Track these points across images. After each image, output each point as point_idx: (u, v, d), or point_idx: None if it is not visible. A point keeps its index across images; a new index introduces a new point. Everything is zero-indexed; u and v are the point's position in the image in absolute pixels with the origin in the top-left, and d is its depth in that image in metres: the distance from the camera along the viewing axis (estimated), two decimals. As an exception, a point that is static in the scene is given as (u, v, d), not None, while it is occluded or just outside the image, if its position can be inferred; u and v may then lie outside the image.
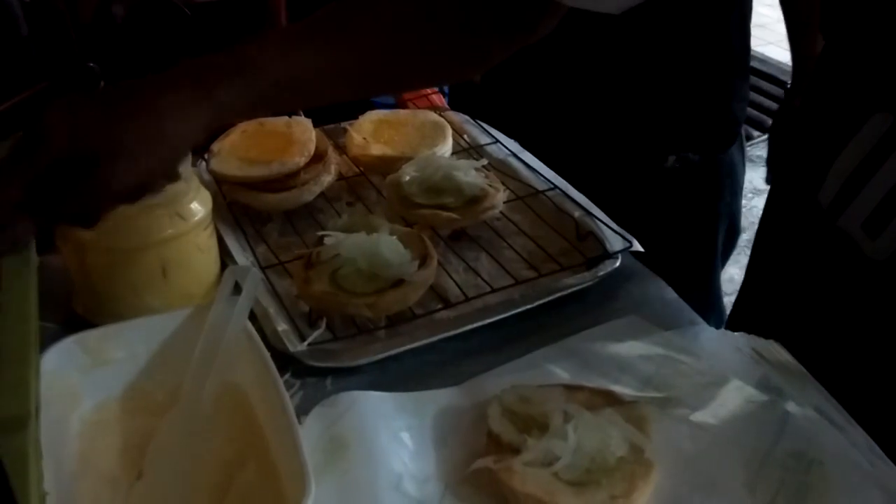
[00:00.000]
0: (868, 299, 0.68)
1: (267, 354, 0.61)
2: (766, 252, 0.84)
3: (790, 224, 0.78)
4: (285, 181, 0.90)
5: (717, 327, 0.75)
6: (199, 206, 0.74)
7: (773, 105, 3.04)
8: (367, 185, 0.97)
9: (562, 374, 0.70)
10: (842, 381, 0.67)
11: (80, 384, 0.62)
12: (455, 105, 1.25)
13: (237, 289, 0.66)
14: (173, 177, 0.67)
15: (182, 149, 0.63)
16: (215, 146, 0.93)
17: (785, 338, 0.71)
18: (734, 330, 0.74)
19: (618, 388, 0.67)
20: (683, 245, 1.17)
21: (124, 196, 0.61)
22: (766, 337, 0.72)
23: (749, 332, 0.73)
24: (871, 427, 0.63)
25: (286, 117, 0.96)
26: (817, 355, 0.69)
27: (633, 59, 1.07)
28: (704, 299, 1.23)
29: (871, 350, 0.69)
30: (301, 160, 0.90)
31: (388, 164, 0.94)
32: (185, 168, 0.73)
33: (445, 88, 1.48)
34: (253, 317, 0.67)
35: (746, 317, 0.85)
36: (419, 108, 1.17)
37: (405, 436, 0.64)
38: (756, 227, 0.85)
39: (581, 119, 1.13)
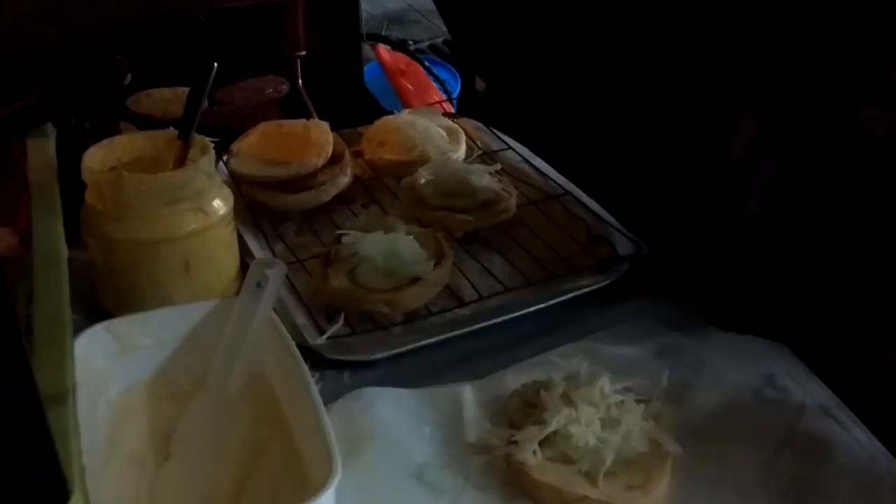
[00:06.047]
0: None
1: (292, 343, 0.62)
2: None
3: None
4: (303, 182, 0.91)
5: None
6: (221, 203, 0.76)
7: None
8: (382, 187, 0.98)
9: (577, 372, 0.71)
10: (845, 380, 0.69)
11: (109, 369, 0.64)
12: (462, 113, 1.27)
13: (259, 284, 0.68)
14: None
15: None
16: (234, 147, 0.95)
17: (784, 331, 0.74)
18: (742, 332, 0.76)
19: (632, 385, 0.69)
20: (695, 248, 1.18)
21: None
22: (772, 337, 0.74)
23: (755, 333, 0.75)
24: (872, 424, 0.65)
25: (304, 120, 0.98)
26: (820, 355, 0.72)
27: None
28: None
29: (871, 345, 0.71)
30: (319, 161, 0.91)
31: (403, 168, 0.96)
32: (209, 165, 0.75)
33: (454, 97, 1.51)
34: (273, 311, 0.69)
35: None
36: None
37: (426, 429, 0.66)
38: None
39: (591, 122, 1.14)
